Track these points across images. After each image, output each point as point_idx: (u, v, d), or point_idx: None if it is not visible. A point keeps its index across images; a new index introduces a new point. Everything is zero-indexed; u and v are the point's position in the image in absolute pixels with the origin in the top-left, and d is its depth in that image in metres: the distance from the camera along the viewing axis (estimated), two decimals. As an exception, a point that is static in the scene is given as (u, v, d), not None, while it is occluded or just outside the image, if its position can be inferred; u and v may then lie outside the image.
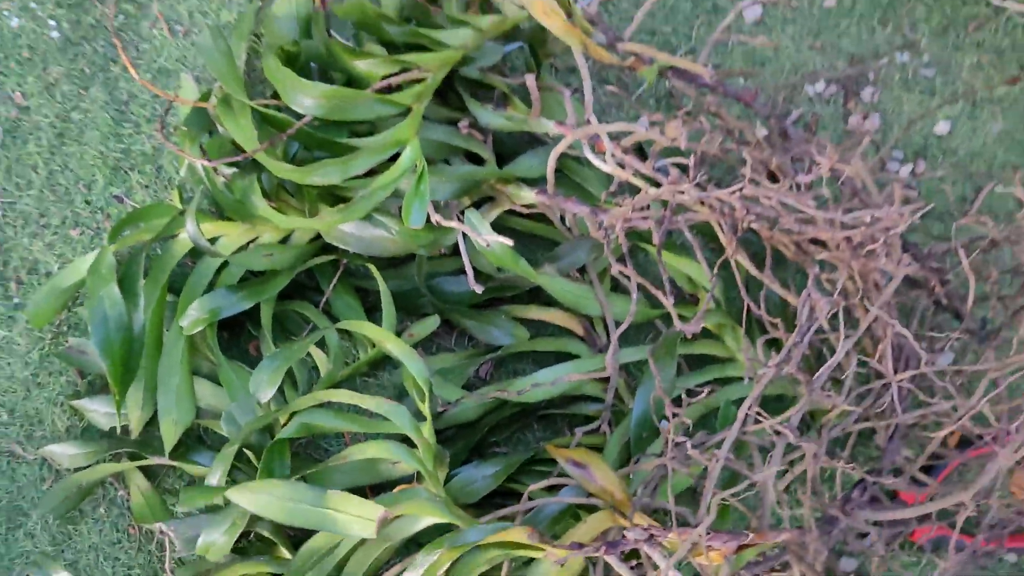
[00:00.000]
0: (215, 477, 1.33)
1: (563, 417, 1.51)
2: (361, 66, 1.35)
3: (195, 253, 1.48)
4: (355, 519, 1.21)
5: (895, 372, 1.21)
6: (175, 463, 1.39)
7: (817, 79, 1.64)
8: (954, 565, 1.20)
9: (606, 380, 1.46)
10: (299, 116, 1.34)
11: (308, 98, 1.28)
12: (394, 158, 1.36)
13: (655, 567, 1.20)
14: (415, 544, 1.29)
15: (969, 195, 1.59)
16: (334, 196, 1.40)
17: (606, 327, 1.48)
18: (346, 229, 1.37)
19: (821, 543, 1.15)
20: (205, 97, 1.42)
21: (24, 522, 1.45)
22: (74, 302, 1.52)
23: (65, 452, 1.43)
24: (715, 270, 1.35)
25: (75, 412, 1.48)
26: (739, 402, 1.24)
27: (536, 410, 1.48)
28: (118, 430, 1.39)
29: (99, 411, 1.44)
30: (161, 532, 1.35)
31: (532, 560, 1.23)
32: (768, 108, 1.46)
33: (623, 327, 1.32)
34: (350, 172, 1.30)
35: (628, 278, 1.43)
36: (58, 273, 1.48)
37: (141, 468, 1.44)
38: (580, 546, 1.18)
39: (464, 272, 1.45)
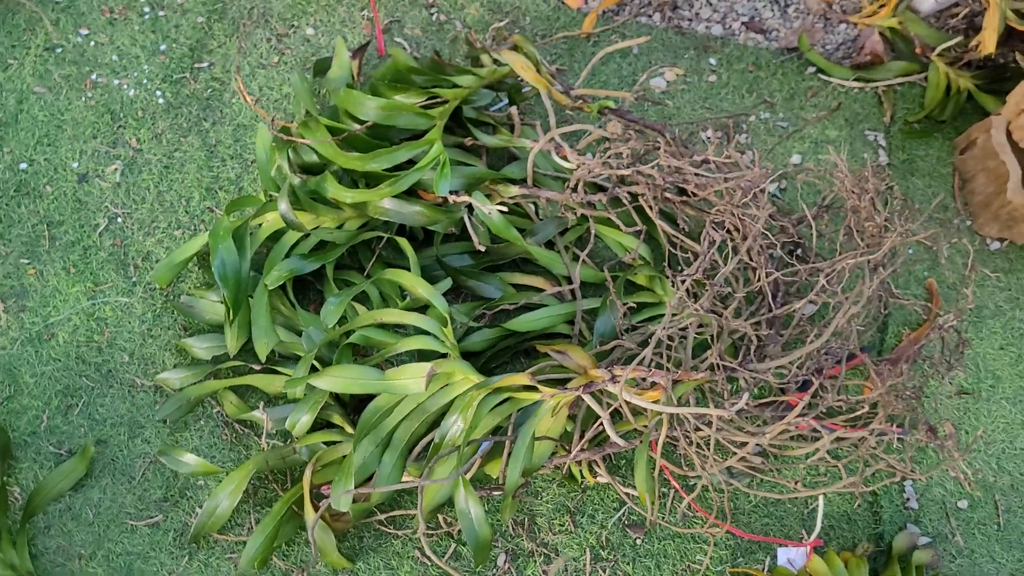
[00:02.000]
0: (299, 374, 1.84)
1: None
2: (399, 97, 1.99)
3: (271, 239, 2.04)
4: (409, 380, 1.73)
5: (767, 276, 1.83)
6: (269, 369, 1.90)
7: (707, 128, 2.34)
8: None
9: (572, 323, 2.03)
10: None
11: (371, 108, 1.92)
12: (417, 160, 1.98)
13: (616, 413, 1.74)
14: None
15: (816, 199, 2.27)
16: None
17: (571, 285, 2.07)
18: (389, 205, 1.95)
19: (726, 382, 1.72)
20: (287, 128, 2.04)
21: (141, 432, 1.91)
22: (177, 279, 2.06)
23: (176, 376, 1.92)
24: (641, 236, 1.98)
25: (181, 352, 1.98)
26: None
27: (523, 344, 2.04)
28: (229, 351, 1.89)
29: (201, 346, 1.95)
30: (261, 413, 1.83)
31: (535, 407, 1.76)
32: (674, 134, 2.15)
33: (580, 262, 1.93)
34: (395, 161, 1.92)
35: (581, 250, 2.05)
36: (173, 252, 2.02)
37: (231, 389, 1.94)
38: (565, 389, 1.72)
39: (466, 252, 2.07)
